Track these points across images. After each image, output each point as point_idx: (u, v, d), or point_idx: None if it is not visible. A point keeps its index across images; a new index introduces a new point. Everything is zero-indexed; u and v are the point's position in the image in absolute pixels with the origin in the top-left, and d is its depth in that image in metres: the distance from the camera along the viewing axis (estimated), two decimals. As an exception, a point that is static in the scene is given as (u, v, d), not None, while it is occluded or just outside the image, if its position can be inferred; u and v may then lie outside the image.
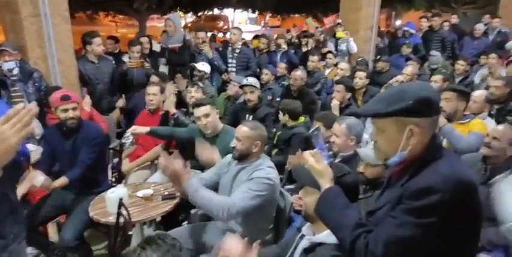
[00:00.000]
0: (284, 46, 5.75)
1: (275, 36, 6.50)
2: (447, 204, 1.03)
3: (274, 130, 3.55)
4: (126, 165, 3.29)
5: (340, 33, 6.11)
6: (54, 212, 2.72)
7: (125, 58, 4.65)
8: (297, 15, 14.72)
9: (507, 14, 7.35)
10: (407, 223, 1.06)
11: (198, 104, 2.84)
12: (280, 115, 3.34)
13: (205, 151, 2.80)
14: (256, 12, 15.21)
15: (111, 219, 2.31)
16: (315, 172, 1.32)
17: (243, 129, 2.19)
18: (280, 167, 3.00)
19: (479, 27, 6.38)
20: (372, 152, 2.07)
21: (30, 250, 2.82)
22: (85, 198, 2.65)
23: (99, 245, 2.94)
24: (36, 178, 2.44)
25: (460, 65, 4.93)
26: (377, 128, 1.19)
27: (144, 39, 5.01)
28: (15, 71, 3.50)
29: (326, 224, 1.25)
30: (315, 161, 1.31)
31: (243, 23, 27.06)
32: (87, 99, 3.56)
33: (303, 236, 1.55)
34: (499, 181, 2.14)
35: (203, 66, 4.65)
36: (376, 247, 1.07)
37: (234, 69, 5.17)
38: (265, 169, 2.13)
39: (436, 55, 5.83)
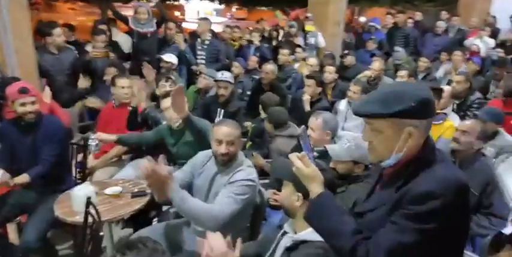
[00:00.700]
0: (257, 42, 5.70)
1: (247, 28, 6.43)
2: (448, 208, 1.04)
3: (248, 123, 3.52)
4: (91, 161, 3.14)
5: (309, 27, 6.13)
6: (13, 211, 2.56)
7: (88, 48, 4.42)
8: (263, 7, 14.65)
9: (466, 13, 7.68)
10: (410, 229, 1.05)
11: (166, 95, 2.75)
12: (266, 123, 3.27)
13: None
14: (223, 4, 14.98)
15: (78, 218, 2.20)
16: (304, 175, 1.24)
17: (230, 131, 2.01)
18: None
19: (441, 25, 6.63)
20: (339, 148, 2.13)
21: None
22: (48, 196, 2.51)
23: (63, 245, 2.79)
24: None
25: (423, 62, 5.10)
26: (373, 129, 1.16)
27: (105, 27, 4.76)
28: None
29: (319, 231, 1.21)
30: (303, 164, 1.23)
31: (208, 14, 26.63)
32: (47, 91, 3.34)
33: (284, 233, 1.53)
34: (497, 163, 2.21)
35: (170, 58, 4.52)
36: (378, 254, 1.06)
37: (203, 61, 5.05)
38: (246, 170, 2.04)
39: (399, 51, 6.01)
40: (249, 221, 2.21)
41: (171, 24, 5.23)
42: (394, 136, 1.13)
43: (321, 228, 1.20)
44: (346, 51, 5.65)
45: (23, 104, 2.44)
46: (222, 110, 3.58)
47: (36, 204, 2.50)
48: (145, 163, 1.74)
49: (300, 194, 1.45)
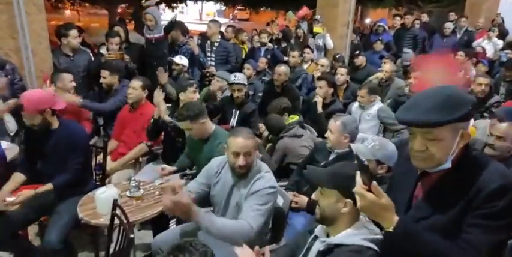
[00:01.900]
0: (270, 44, 5.72)
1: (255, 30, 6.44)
2: None
3: (262, 125, 3.54)
4: (109, 163, 3.15)
5: (317, 29, 6.16)
6: (35, 214, 2.56)
7: (103, 50, 4.44)
8: (267, 9, 14.69)
9: (473, 14, 7.70)
10: (498, 226, 1.10)
11: (178, 119, 2.67)
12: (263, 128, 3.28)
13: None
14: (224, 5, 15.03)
15: (102, 221, 2.23)
16: (379, 206, 1.16)
17: (245, 142, 1.98)
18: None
19: (449, 26, 6.65)
20: (363, 147, 2.14)
21: (6, 255, 2.66)
22: (69, 198, 2.52)
23: (83, 247, 2.81)
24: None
25: (433, 63, 5.09)
26: (431, 138, 1.16)
27: (119, 29, 4.78)
28: (-14, 64, 3.25)
29: (420, 254, 1.17)
30: (375, 196, 1.16)
31: (211, 15, 26.65)
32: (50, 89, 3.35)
33: (315, 237, 1.53)
34: None
35: (181, 60, 4.54)
36: None
37: (213, 63, 5.09)
38: (265, 177, 2.02)
39: (408, 52, 6.03)
40: (270, 224, 2.21)
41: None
42: (452, 140, 1.15)
43: (418, 251, 1.17)
44: (357, 52, 5.66)
45: (25, 117, 2.47)
46: (238, 112, 3.59)
47: (58, 206, 2.52)
48: (165, 199, 1.75)
49: (349, 201, 1.41)
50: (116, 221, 2.08)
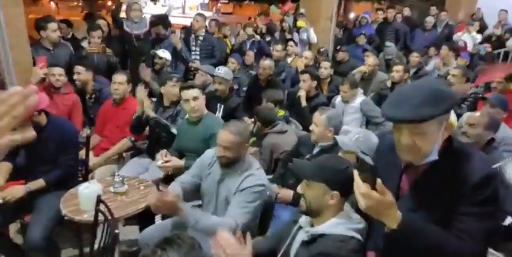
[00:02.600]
0: (257, 36, 5.69)
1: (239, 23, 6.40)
2: (500, 184, 1.16)
3: (247, 119, 3.53)
4: (92, 159, 3.11)
5: (301, 23, 6.16)
6: (15, 211, 2.51)
7: (84, 43, 4.34)
8: (250, 2, 14.59)
9: (453, 7, 7.82)
10: (489, 213, 1.14)
11: (186, 87, 2.76)
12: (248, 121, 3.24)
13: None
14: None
15: (86, 217, 2.20)
16: (385, 204, 1.14)
17: (228, 136, 2.00)
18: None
19: (430, 20, 6.74)
20: (348, 139, 2.17)
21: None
22: (52, 194, 2.49)
23: (67, 244, 2.77)
24: None
25: (415, 57, 5.19)
26: (418, 132, 1.16)
27: (102, 22, 4.69)
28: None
29: (420, 249, 1.18)
30: (380, 195, 1.14)
31: (193, 9, 26.25)
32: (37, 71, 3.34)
33: (300, 228, 1.55)
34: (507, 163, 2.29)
35: (164, 54, 4.49)
36: (478, 246, 1.15)
37: (197, 57, 5.04)
38: (255, 174, 2.03)
39: (390, 46, 6.10)
40: (258, 217, 2.23)
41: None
42: (437, 132, 1.17)
43: (421, 246, 1.18)
44: (338, 47, 5.70)
45: None
46: (222, 106, 3.58)
47: (40, 202, 2.48)
48: (150, 197, 1.81)
49: (335, 192, 1.43)
50: (101, 217, 2.06)
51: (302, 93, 3.80)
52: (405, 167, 1.31)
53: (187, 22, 6.72)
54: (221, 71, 3.63)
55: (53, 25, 3.71)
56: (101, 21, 4.62)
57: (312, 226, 1.52)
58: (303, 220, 1.56)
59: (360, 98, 3.77)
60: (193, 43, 5.02)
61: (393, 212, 1.15)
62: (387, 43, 6.14)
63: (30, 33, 3.92)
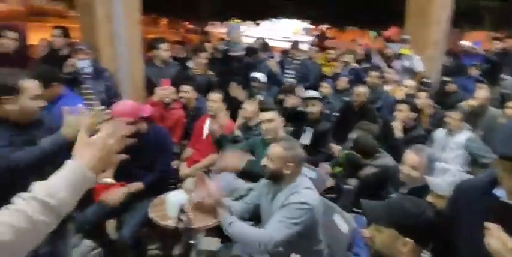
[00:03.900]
0: (355, 64, 5.62)
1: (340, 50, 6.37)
2: None
3: (336, 147, 3.45)
4: (183, 169, 3.34)
5: (405, 50, 5.88)
6: (114, 209, 2.79)
7: (190, 63, 4.75)
8: (353, 28, 14.52)
9: None
10: None
11: (263, 109, 2.90)
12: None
13: (231, 157, 2.73)
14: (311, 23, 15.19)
15: (170, 223, 2.33)
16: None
17: (276, 148, 2.08)
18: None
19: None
20: (442, 182, 1.96)
21: (88, 243, 2.92)
22: (145, 198, 2.71)
23: (153, 245, 2.97)
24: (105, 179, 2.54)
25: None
26: None
27: (208, 45, 5.10)
28: (88, 70, 3.66)
29: None
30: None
31: (297, 34, 27.05)
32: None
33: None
34: None
35: (264, 78, 4.63)
36: None
37: (291, 80, 5.14)
38: (301, 192, 2.00)
39: (508, 79, 5.46)
40: (320, 243, 2.12)
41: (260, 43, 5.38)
42: None
43: None
44: (447, 79, 5.28)
45: None
46: (312, 129, 3.55)
47: (134, 204, 2.72)
48: (194, 196, 2.00)
49: (409, 240, 1.29)
50: (181, 225, 2.17)
51: (397, 124, 3.59)
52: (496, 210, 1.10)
53: (287, 45, 6.93)
54: (312, 93, 3.63)
55: (164, 45, 4.14)
56: (207, 44, 5.01)
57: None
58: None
59: (466, 133, 3.43)
60: (288, 66, 5.14)
61: None
62: (504, 76, 5.50)
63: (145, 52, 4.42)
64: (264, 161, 2.10)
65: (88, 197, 2.89)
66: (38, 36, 4.77)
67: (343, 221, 2.19)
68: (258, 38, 5.86)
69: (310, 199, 1.98)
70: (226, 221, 1.92)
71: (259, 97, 3.52)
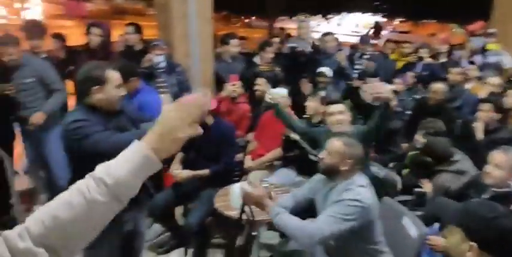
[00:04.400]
0: (429, 59, 5.27)
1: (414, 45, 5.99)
2: None
3: (405, 145, 3.27)
4: (248, 162, 3.40)
5: (492, 46, 5.37)
6: (182, 197, 2.94)
7: (256, 59, 4.81)
8: (430, 21, 13.57)
9: None
10: None
11: (332, 101, 2.88)
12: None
13: None
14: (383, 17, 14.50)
15: (234, 213, 2.40)
16: None
17: (336, 143, 2.05)
18: (409, 188, 2.77)
19: None
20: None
21: (157, 227, 3.12)
22: (211, 188, 2.82)
23: (217, 234, 3.09)
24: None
25: None
26: None
27: (276, 40, 5.11)
28: (163, 64, 3.88)
29: None
30: None
31: (367, 27, 26.04)
32: None
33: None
34: None
35: (330, 72, 4.55)
36: None
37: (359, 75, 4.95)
38: (355, 190, 1.95)
39: None
40: (378, 244, 2.04)
41: (330, 37, 5.23)
42: None
43: None
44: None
45: None
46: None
47: (201, 193, 2.85)
48: (241, 190, 2.02)
49: (473, 244, 1.23)
50: (244, 216, 2.22)
51: (478, 125, 3.28)
52: None
53: (357, 40, 6.70)
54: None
55: (235, 41, 4.24)
56: (275, 39, 5.02)
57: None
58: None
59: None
60: (358, 61, 4.96)
61: None
62: None
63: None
64: (322, 155, 2.08)
65: (159, 184, 3.09)
66: (119, 33, 5.20)
67: (412, 225, 2.08)
68: (326, 33, 5.72)
69: (363, 197, 1.92)
70: (274, 211, 1.94)
71: (322, 93, 3.44)
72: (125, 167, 0.78)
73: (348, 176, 2.03)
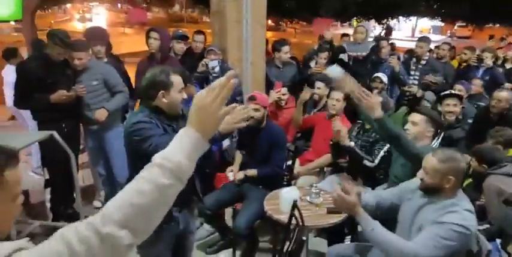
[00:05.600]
0: (489, 62, 4.96)
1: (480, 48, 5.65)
2: None
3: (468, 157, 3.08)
4: (297, 167, 3.39)
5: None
6: (232, 199, 2.99)
7: (312, 63, 4.78)
8: (494, 25, 12.71)
9: None
10: None
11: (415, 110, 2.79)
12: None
13: None
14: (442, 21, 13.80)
15: (283, 218, 2.40)
16: None
17: (431, 160, 1.88)
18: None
19: None
20: None
21: (207, 228, 3.19)
22: (261, 190, 2.85)
23: (265, 237, 3.10)
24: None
25: None
26: None
27: (326, 45, 5.06)
28: (217, 69, 3.98)
29: None
30: None
31: (425, 32, 24.93)
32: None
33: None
34: None
35: (385, 78, 4.42)
36: None
37: (416, 82, 4.76)
38: (461, 213, 1.80)
39: None
40: None
41: (384, 43, 5.09)
42: None
43: None
44: None
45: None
46: (442, 133, 3.25)
47: (250, 196, 2.88)
48: (337, 190, 1.95)
49: None
50: (293, 221, 2.21)
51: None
52: None
53: (414, 45, 6.46)
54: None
55: (286, 48, 4.27)
56: (326, 45, 4.98)
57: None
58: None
59: None
60: (413, 67, 4.77)
61: None
62: None
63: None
64: (421, 174, 1.94)
65: (210, 185, 3.17)
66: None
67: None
68: (381, 38, 5.59)
69: (470, 224, 1.78)
70: (369, 225, 1.87)
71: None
72: (179, 151, 0.89)
73: (452, 194, 1.89)
